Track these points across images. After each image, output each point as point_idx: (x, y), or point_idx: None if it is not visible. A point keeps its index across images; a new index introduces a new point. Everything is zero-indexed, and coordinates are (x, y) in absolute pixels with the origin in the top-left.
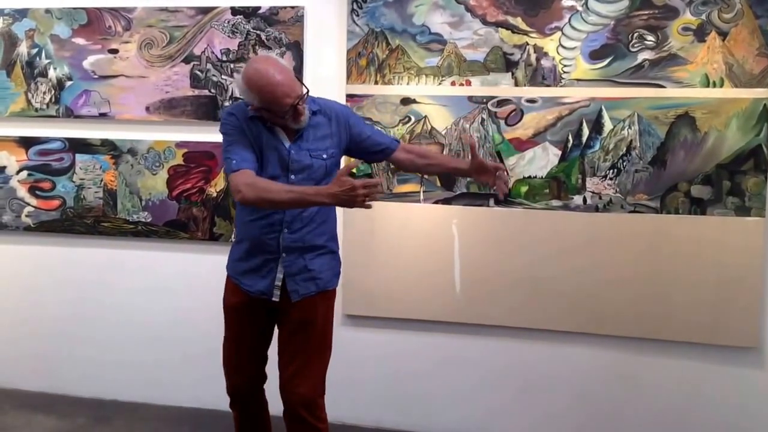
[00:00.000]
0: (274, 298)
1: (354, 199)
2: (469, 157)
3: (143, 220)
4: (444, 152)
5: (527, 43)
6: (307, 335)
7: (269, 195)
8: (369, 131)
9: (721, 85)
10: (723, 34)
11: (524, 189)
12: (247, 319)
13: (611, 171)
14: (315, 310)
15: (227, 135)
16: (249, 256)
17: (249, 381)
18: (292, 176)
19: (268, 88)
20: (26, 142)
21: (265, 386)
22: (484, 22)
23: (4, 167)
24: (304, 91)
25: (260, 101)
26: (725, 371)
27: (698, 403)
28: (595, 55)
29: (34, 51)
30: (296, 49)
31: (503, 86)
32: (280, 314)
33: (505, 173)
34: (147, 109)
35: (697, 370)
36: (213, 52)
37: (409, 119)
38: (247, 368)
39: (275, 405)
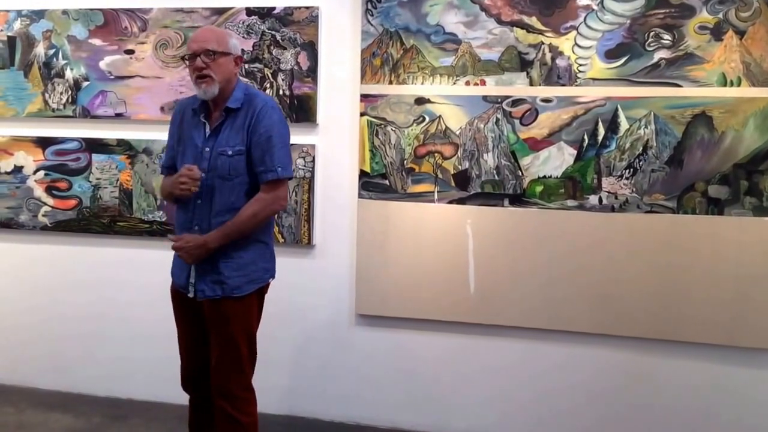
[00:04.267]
0: (189, 295)
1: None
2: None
3: (158, 219)
4: (459, 152)
5: (542, 43)
6: (221, 333)
7: None
8: (266, 146)
9: (739, 84)
10: (740, 33)
11: (539, 189)
12: (180, 307)
13: (627, 171)
14: (226, 313)
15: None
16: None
17: (193, 365)
18: (202, 173)
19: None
20: (43, 142)
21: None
22: (499, 22)
23: (22, 167)
24: (226, 54)
25: None
26: (743, 373)
27: (716, 405)
28: (610, 55)
29: (51, 52)
30: (311, 49)
31: (518, 86)
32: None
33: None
34: (162, 109)
35: (715, 372)
36: None
37: (424, 119)
38: (187, 353)
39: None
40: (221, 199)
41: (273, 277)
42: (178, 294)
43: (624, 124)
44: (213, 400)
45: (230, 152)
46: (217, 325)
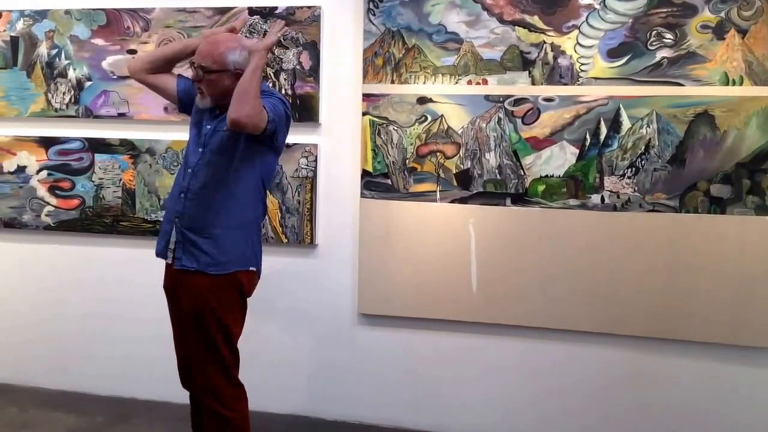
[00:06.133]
0: (167, 261)
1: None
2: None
3: (161, 219)
4: (461, 151)
5: (544, 42)
6: (196, 328)
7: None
8: None
9: (741, 83)
10: (742, 32)
11: (541, 188)
12: (170, 305)
13: (629, 170)
14: (202, 298)
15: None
16: (164, 216)
17: (187, 362)
18: (199, 148)
19: None
20: (46, 142)
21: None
22: (501, 21)
23: (25, 167)
24: (220, 71)
25: None
26: (745, 372)
27: (717, 404)
28: (613, 54)
29: (54, 52)
30: (313, 48)
31: (520, 85)
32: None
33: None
34: (165, 109)
35: (716, 371)
36: None
37: (426, 118)
38: (181, 350)
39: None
40: (210, 172)
41: (257, 270)
42: (169, 289)
43: (626, 123)
44: (199, 398)
45: (225, 128)
46: (194, 317)
